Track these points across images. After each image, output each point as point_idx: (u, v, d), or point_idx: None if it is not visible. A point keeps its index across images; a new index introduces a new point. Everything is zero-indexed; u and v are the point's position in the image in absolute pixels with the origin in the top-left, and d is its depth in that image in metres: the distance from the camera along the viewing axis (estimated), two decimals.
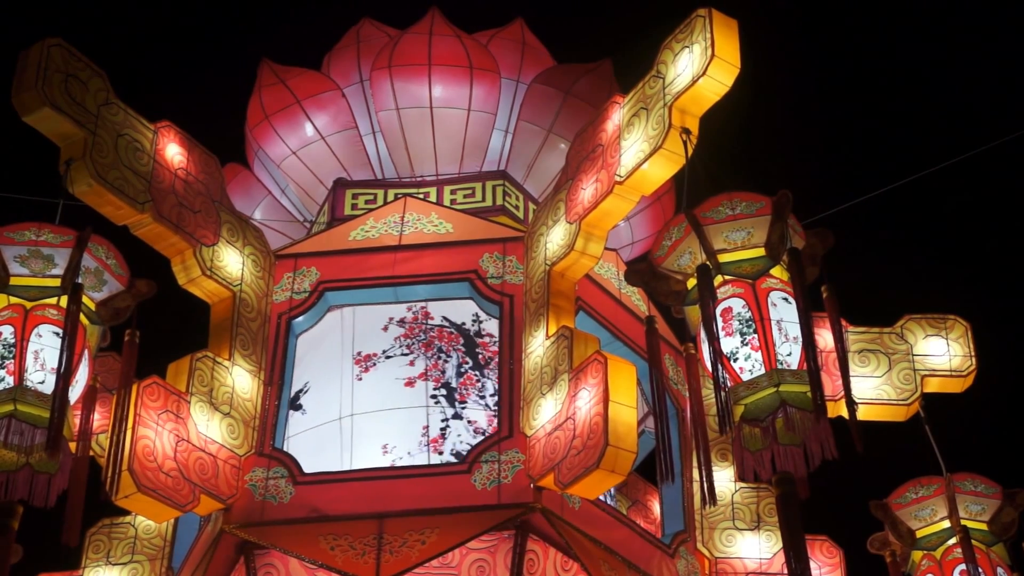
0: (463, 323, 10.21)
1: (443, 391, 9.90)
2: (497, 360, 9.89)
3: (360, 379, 10.03)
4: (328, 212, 11.81)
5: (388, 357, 10.09)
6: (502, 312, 10.01)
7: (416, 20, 12.29)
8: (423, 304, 10.27)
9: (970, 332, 11.01)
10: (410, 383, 9.94)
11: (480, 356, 10.04)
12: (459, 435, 9.69)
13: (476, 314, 10.22)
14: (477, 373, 9.96)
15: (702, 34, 8.65)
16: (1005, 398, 17.33)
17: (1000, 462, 13.42)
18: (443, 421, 9.75)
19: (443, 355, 10.06)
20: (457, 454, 9.56)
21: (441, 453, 9.60)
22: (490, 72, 11.96)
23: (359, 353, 10.14)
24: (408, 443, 9.64)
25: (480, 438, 9.55)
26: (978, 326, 11.07)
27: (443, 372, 9.97)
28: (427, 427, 9.71)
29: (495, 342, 10.02)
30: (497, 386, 9.77)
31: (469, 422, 9.75)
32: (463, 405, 9.82)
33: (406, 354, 10.09)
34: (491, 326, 10.15)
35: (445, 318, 10.22)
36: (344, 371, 10.03)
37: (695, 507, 10.71)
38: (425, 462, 9.52)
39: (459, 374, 9.97)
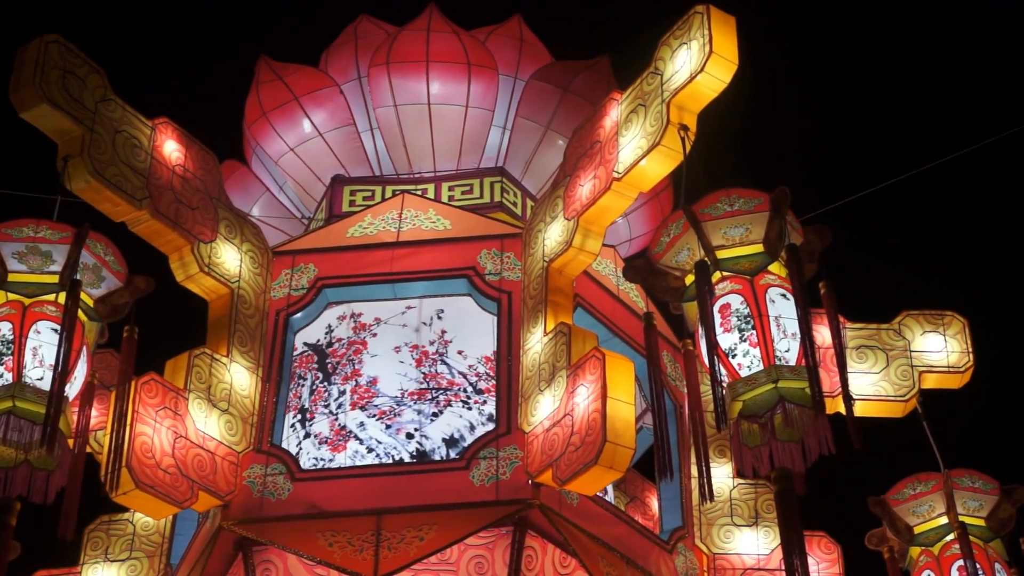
0: (317, 340, 10.22)
1: (299, 416, 9.92)
2: (343, 361, 9.93)
3: None
4: (326, 209, 11.81)
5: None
6: (500, 309, 10.00)
7: (414, 17, 12.26)
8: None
9: (967, 328, 11.00)
10: None
11: (329, 365, 10.06)
12: (308, 452, 9.72)
13: (329, 324, 10.21)
14: (325, 384, 9.97)
15: (700, 30, 8.65)
16: (1003, 394, 17.34)
17: (998, 458, 13.43)
18: (297, 446, 9.77)
19: (301, 381, 10.08)
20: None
21: None
22: (488, 69, 11.94)
23: None
24: None
25: (324, 447, 9.64)
26: (975, 322, 11.07)
27: (300, 398, 10.00)
28: None
29: (343, 344, 10.04)
30: (342, 387, 9.84)
31: (315, 436, 9.78)
32: (312, 422, 9.85)
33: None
34: (342, 331, 10.15)
35: (305, 343, 10.22)
36: None
37: (693, 503, 10.71)
38: None
39: (311, 392, 9.99)
